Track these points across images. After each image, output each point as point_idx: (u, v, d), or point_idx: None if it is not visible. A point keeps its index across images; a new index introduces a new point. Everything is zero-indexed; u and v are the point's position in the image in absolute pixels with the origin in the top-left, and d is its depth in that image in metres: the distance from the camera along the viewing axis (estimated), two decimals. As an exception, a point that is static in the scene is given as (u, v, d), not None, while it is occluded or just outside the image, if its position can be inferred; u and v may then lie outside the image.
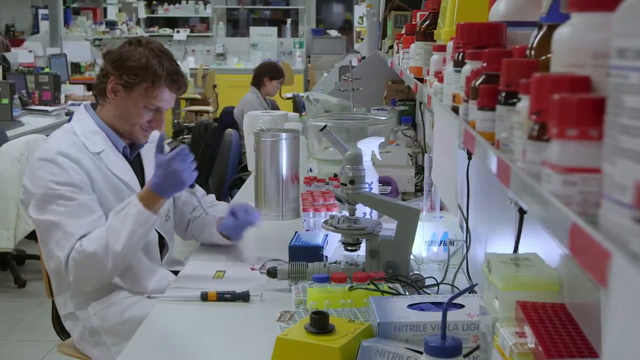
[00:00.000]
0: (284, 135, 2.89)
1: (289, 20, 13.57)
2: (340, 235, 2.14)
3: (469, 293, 1.70)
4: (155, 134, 2.41)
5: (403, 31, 2.77)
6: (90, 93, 7.74)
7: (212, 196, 2.74)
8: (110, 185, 2.29)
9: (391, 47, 3.49)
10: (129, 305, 2.27)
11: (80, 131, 2.33)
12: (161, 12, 13.78)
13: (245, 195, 3.23)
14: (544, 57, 0.95)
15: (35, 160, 2.26)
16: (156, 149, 2.21)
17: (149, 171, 2.41)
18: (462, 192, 2.05)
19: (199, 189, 2.66)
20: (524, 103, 0.88)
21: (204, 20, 13.78)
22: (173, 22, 13.77)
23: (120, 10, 13.34)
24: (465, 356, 1.36)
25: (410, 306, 1.59)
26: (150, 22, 13.93)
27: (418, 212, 2.09)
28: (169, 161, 2.17)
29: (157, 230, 2.38)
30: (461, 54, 1.32)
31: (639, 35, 0.59)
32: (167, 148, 2.26)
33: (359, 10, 11.52)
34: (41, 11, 11.35)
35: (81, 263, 2.16)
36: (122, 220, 2.17)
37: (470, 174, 2.01)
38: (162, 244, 2.45)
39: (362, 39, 9.46)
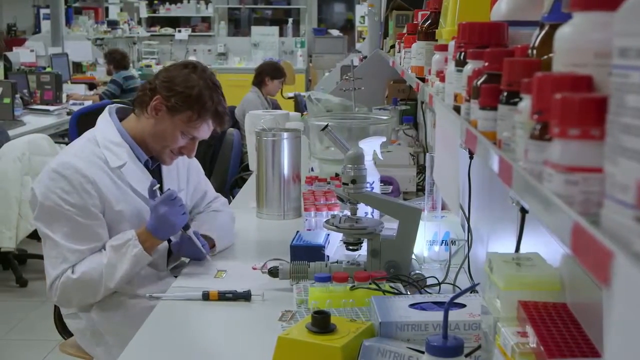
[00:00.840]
0: (285, 134, 2.89)
1: (290, 20, 13.57)
2: (341, 234, 2.14)
3: (471, 293, 1.70)
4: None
5: (405, 30, 2.77)
6: (92, 92, 7.79)
7: (224, 201, 2.70)
8: (127, 201, 2.26)
9: (393, 46, 3.49)
10: (131, 305, 2.27)
11: (102, 142, 2.29)
12: (163, 11, 13.78)
13: (246, 194, 3.23)
14: (545, 57, 0.94)
15: (50, 169, 2.21)
16: (148, 195, 2.21)
17: (168, 182, 2.40)
18: (464, 191, 2.05)
19: (210, 193, 2.65)
20: (525, 102, 0.88)
21: (206, 19, 13.78)
22: (174, 22, 13.77)
23: (121, 10, 13.34)
24: (466, 356, 1.36)
25: (412, 306, 1.59)
26: (152, 22, 13.93)
27: (419, 211, 2.09)
28: (156, 206, 2.18)
29: (168, 240, 2.36)
30: (463, 53, 1.32)
31: (641, 35, 0.59)
32: (158, 193, 2.22)
33: (361, 9, 11.51)
34: (43, 10, 11.38)
35: (70, 288, 2.18)
36: (120, 258, 2.18)
37: (472, 173, 2.01)
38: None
39: (364, 39, 9.46)
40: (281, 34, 13.28)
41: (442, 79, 1.58)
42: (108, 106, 2.43)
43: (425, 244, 2.25)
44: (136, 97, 2.37)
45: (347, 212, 2.12)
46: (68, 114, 6.44)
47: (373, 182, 2.46)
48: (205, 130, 2.31)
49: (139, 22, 13.61)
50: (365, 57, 5.69)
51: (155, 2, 13.81)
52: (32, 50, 8.54)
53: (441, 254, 2.25)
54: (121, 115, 2.38)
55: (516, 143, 0.92)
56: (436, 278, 2.06)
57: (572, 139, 0.70)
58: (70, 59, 8.85)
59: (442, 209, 2.29)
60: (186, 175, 2.53)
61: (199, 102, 2.25)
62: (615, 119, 0.63)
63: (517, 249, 1.50)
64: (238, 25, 14.23)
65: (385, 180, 2.83)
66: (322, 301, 1.77)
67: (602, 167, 0.66)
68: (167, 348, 1.80)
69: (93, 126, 2.38)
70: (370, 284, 1.81)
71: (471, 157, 1.97)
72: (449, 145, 1.72)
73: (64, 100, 7.06)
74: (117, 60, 7.84)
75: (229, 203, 2.86)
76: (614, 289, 0.57)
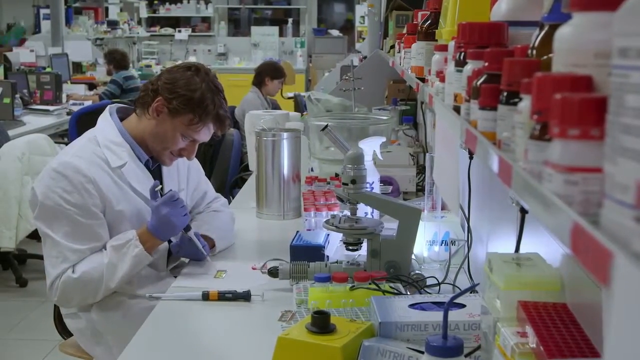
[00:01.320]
0: (285, 134, 2.89)
1: (290, 20, 13.57)
2: (341, 234, 2.14)
3: (470, 293, 1.70)
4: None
5: (404, 31, 2.77)
6: (92, 92, 7.79)
7: (224, 201, 2.70)
8: (128, 201, 2.26)
9: (392, 46, 3.49)
10: (130, 305, 2.27)
11: (102, 142, 2.28)
12: (163, 11, 13.78)
13: (246, 194, 3.23)
14: (545, 57, 0.94)
15: (50, 169, 2.21)
16: (150, 195, 2.21)
17: (168, 182, 2.40)
18: (464, 191, 2.05)
19: (210, 193, 2.65)
20: (525, 103, 0.88)
21: (206, 19, 13.78)
22: (174, 22, 13.77)
23: (121, 10, 13.34)
24: (466, 356, 1.36)
25: (412, 306, 1.59)
26: (152, 22, 13.93)
27: (419, 211, 2.09)
28: (158, 207, 2.18)
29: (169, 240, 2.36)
30: (463, 53, 1.32)
31: (640, 35, 0.59)
32: (159, 193, 2.21)
33: (361, 9, 11.52)
34: (43, 10, 11.37)
35: (70, 288, 2.18)
36: (121, 258, 2.18)
37: (472, 173, 2.01)
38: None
39: (364, 39, 9.47)
40: (281, 34, 13.28)
41: (442, 79, 1.58)
42: (109, 106, 2.42)
43: (425, 244, 2.25)
44: (138, 97, 2.37)
45: (347, 212, 2.12)
46: (68, 114, 6.44)
47: (373, 182, 2.46)
48: (205, 134, 2.31)
49: (139, 22, 13.61)
50: (365, 57, 5.69)
51: (155, 2, 13.81)
52: (32, 50, 8.54)
53: (441, 254, 2.25)
54: (122, 115, 2.38)
55: (516, 143, 0.92)
56: (436, 278, 2.06)
57: (572, 139, 0.70)
58: (70, 59, 8.85)
59: (442, 209, 2.29)
60: (186, 175, 2.53)
61: (200, 105, 2.25)
62: (615, 119, 0.63)
63: (517, 249, 1.49)
64: (238, 25, 14.23)
65: (385, 180, 2.83)
66: (322, 301, 1.77)
67: (601, 167, 0.66)
68: (167, 348, 1.80)
69: (93, 126, 2.38)
70: (370, 284, 1.81)
71: (471, 157, 1.97)
72: (449, 145, 1.72)
73: (64, 100, 7.06)
74: (117, 60, 7.84)
75: (229, 203, 2.86)
76: (613, 289, 0.57)
